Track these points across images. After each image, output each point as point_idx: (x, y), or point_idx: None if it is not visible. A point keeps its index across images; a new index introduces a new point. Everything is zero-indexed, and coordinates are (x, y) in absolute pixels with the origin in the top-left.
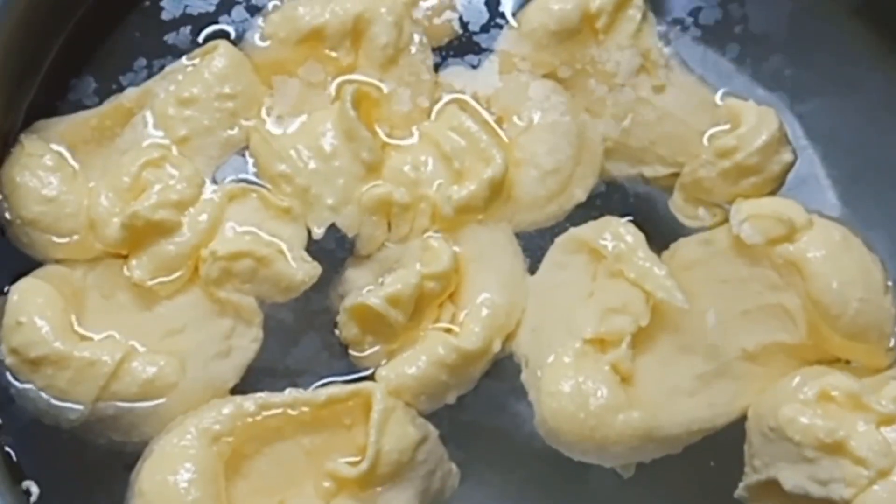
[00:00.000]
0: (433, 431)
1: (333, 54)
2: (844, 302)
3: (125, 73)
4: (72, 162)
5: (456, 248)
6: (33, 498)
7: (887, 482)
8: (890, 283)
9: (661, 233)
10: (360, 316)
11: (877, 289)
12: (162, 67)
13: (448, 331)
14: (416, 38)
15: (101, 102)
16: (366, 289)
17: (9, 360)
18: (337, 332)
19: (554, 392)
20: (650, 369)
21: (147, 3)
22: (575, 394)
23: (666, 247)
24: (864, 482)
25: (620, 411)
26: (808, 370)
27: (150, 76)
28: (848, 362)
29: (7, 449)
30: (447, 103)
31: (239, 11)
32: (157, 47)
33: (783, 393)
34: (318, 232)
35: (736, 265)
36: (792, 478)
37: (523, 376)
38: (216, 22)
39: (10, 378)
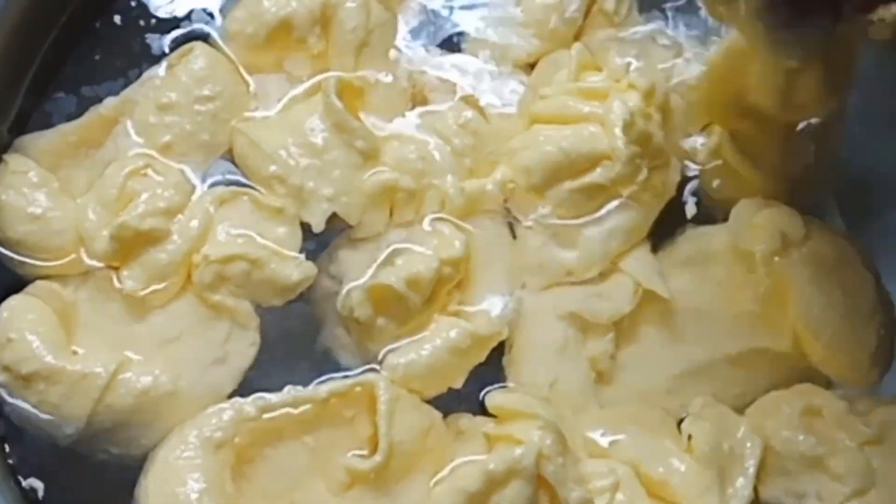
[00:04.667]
0: (438, 415)
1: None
2: (822, 327)
3: (102, 84)
4: (57, 177)
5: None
6: None
7: (862, 501)
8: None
9: (666, 222)
10: (378, 296)
11: (859, 314)
12: (139, 75)
13: (454, 315)
14: (386, 18)
15: (79, 115)
16: (373, 267)
17: (1, 378)
18: (341, 310)
19: (526, 383)
20: (631, 364)
21: (118, 13)
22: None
23: (671, 234)
24: (840, 499)
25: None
26: (799, 387)
27: (126, 84)
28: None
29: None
30: (452, 98)
31: (201, 14)
32: (132, 55)
33: (771, 406)
34: (319, 225)
35: (732, 268)
36: (769, 488)
37: (505, 360)
38: (186, 25)
39: (4, 396)
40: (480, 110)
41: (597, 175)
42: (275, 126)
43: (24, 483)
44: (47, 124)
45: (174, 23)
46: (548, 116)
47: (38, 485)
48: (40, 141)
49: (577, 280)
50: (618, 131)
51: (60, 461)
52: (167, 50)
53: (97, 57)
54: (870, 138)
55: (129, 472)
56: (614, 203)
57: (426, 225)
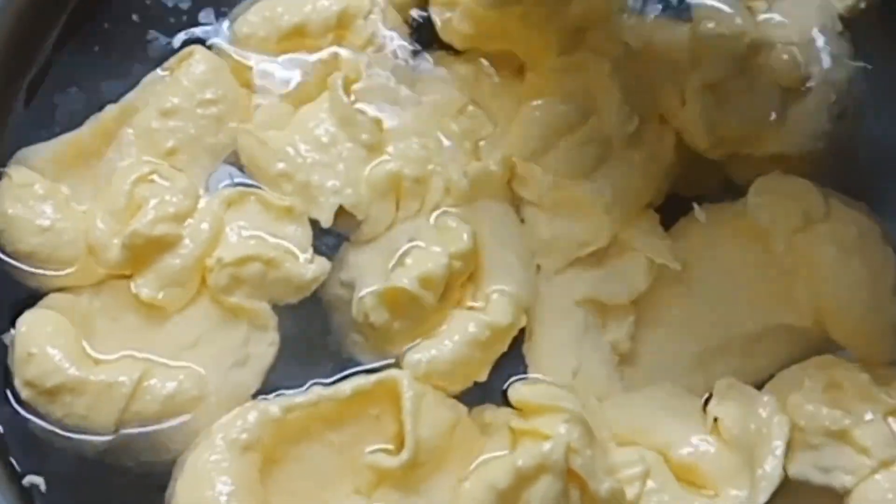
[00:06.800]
0: (464, 410)
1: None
2: (849, 305)
3: (101, 92)
4: (62, 188)
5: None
6: None
7: (889, 472)
8: None
9: (680, 200)
10: (392, 300)
11: (884, 291)
12: (138, 80)
13: (470, 308)
14: (399, 23)
15: (80, 124)
16: (385, 272)
17: (25, 394)
18: (356, 317)
19: (549, 371)
20: (651, 345)
21: (114, 18)
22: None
23: (684, 212)
24: (866, 472)
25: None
26: (818, 360)
27: (124, 90)
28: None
29: (34, 482)
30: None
31: (206, 16)
32: (130, 61)
33: (792, 380)
34: (327, 220)
35: (751, 246)
36: (794, 464)
37: (525, 347)
38: (187, 28)
39: (28, 411)
40: (480, 99)
41: (590, 129)
42: (281, 124)
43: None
44: (47, 138)
45: (170, 28)
46: (537, 90)
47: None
48: (42, 152)
49: (589, 250)
50: (607, 70)
51: (86, 475)
52: (166, 54)
53: (92, 67)
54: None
55: (158, 478)
56: (613, 164)
57: (432, 220)
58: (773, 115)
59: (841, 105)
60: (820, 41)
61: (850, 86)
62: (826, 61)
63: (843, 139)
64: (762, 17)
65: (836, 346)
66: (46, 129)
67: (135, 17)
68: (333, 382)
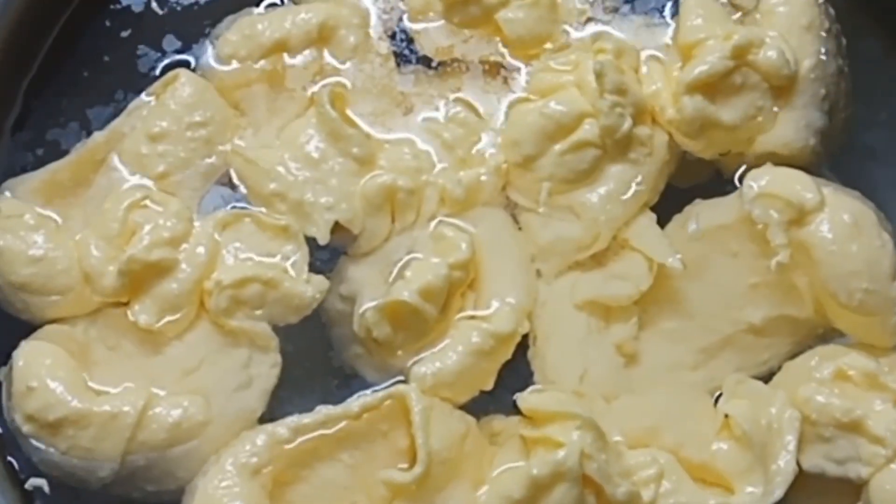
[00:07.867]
0: (472, 420)
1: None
2: (850, 292)
3: (88, 119)
4: (53, 217)
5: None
6: None
7: None
8: None
9: (673, 193)
10: (393, 313)
11: (883, 277)
12: (124, 107)
13: (472, 318)
14: (381, 31)
15: (67, 153)
16: (385, 286)
17: (26, 428)
18: (359, 332)
19: (555, 377)
20: (654, 344)
21: (97, 45)
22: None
23: (679, 209)
24: (882, 461)
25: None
26: (824, 350)
27: (113, 117)
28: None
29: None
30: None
31: (188, 39)
32: (116, 87)
33: (800, 373)
34: (323, 237)
35: (747, 239)
36: (808, 457)
37: (530, 353)
38: (171, 52)
39: (30, 446)
40: (471, 106)
41: (584, 132)
42: (270, 143)
43: None
44: (35, 168)
45: (157, 52)
46: (527, 94)
47: None
48: (30, 181)
49: (589, 253)
50: (592, 79)
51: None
52: (151, 79)
53: (80, 89)
54: None
55: None
56: (608, 166)
57: (429, 230)
58: (764, 114)
59: (831, 100)
60: (808, 37)
61: (840, 80)
62: (815, 57)
63: (836, 133)
64: (749, 15)
65: (839, 334)
66: (33, 158)
67: (118, 44)
68: (340, 400)
